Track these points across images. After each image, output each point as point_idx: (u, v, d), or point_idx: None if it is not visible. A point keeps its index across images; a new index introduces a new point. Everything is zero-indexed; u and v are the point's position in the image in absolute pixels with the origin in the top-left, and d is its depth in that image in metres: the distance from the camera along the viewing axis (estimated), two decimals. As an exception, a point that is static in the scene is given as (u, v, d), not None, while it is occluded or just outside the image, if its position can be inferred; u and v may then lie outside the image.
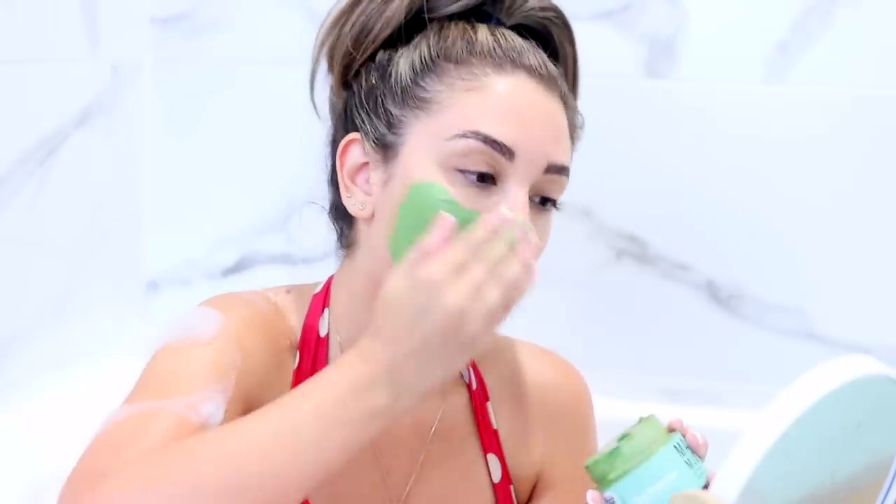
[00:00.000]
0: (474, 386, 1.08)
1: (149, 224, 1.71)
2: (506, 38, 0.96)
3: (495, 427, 1.08)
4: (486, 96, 0.93)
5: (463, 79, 0.94)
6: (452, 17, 0.99)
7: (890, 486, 0.87)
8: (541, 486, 1.11)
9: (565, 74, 1.02)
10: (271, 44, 1.65)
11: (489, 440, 1.07)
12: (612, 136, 1.55)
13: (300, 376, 1.00)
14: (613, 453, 0.86)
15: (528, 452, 1.10)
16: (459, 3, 0.98)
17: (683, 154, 1.56)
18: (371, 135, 0.96)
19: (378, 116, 0.96)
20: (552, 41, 1.02)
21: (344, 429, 0.82)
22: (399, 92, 0.96)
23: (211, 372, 0.92)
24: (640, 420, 0.88)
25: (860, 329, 1.54)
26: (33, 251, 1.45)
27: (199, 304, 1.00)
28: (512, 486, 1.08)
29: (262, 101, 1.66)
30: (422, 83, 0.95)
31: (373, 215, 0.96)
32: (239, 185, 1.69)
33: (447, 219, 0.86)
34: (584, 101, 1.57)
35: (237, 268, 1.70)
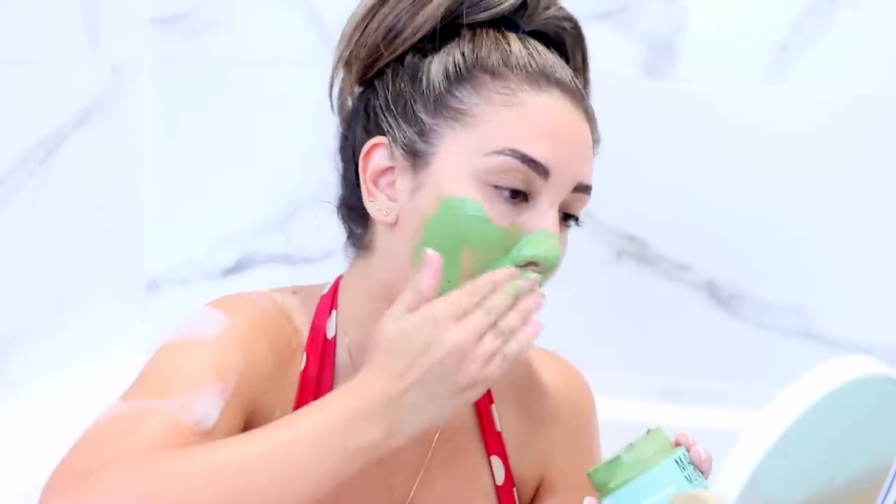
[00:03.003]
0: None
1: (149, 224, 1.71)
2: (538, 52, 0.96)
3: (499, 429, 1.08)
4: (524, 113, 0.93)
5: (500, 93, 0.93)
6: (482, 25, 0.98)
7: (890, 487, 0.87)
8: (544, 488, 1.11)
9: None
10: (271, 44, 1.65)
11: (493, 443, 1.07)
12: (611, 136, 1.55)
13: (306, 378, 1.00)
14: (614, 462, 0.86)
15: (531, 455, 1.10)
16: (490, 11, 0.97)
17: (683, 154, 1.56)
18: (399, 141, 0.95)
19: (408, 123, 0.95)
20: (565, 50, 1.03)
21: (334, 459, 0.84)
22: (431, 100, 0.95)
23: (210, 372, 0.92)
24: (648, 432, 0.88)
25: (860, 329, 1.54)
26: (33, 251, 1.45)
27: (204, 304, 1.00)
28: (515, 489, 1.08)
29: (262, 101, 1.66)
30: (457, 93, 0.94)
31: (396, 221, 0.96)
32: (239, 185, 1.69)
33: (435, 258, 0.88)
34: (584, 101, 1.58)
35: (237, 268, 1.70)
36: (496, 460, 1.07)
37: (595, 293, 1.59)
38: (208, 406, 0.90)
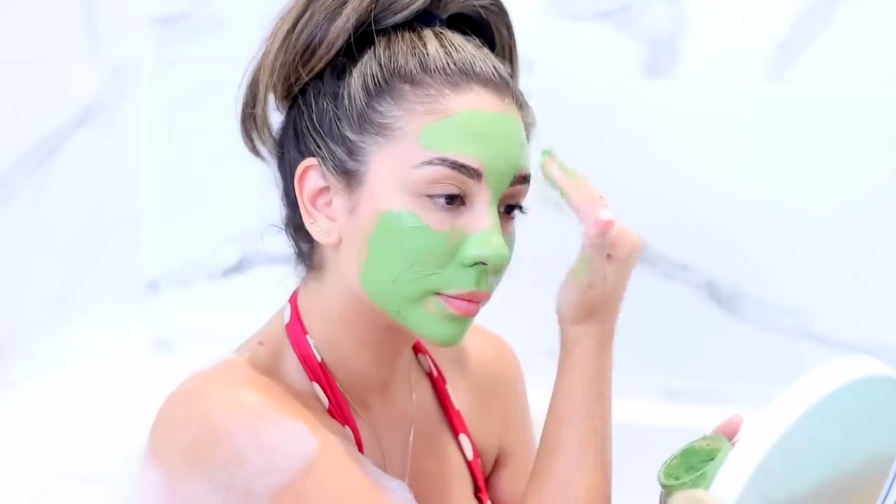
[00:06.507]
0: (434, 373, 1.09)
1: (149, 224, 1.71)
2: (455, 48, 0.94)
3: (458, 408, 1.09)
4: (448, 119, 0.92)
5: (421, 102, 0.92)
6: (396, 28, 0.96)
7: (890, 487, 0.87)
8: (500, 457, 1.15)
9: (504, 61, 1.01)
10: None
11: (457, 422, 1.09)
12: (612, 136, 1.55)
13: (335, 410, 0.98)
14: (698, 478, 0.86)
15: (487, 427, 1.12)
16: (402, 13, 0.95)
17: (684, 154, 1.56)
18: (330, 161, 0.94)
19: (336, 142, 0.94)
20: (489, 29, 1.00)
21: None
22: (355, 116, 0.94)
23: (363, 486, 0.92)
24: (704, 438, 0.89)
25: (860, 329, 1.54)
26: (34, 251, 1.45)
27: (200, 402, 0.91)
28: (480, 461, 1.10)
29: (263, 101, 1.66)
30: (378, 107, 0.93)
31: (340, 241, 0.95)
32: (239, 185, 1.68)
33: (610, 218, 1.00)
34: (584, 101, 1.58)
35: (238, 268, 1.70)
36: (464, 438, 1.09)
37: (595, 293, 1.59)
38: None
